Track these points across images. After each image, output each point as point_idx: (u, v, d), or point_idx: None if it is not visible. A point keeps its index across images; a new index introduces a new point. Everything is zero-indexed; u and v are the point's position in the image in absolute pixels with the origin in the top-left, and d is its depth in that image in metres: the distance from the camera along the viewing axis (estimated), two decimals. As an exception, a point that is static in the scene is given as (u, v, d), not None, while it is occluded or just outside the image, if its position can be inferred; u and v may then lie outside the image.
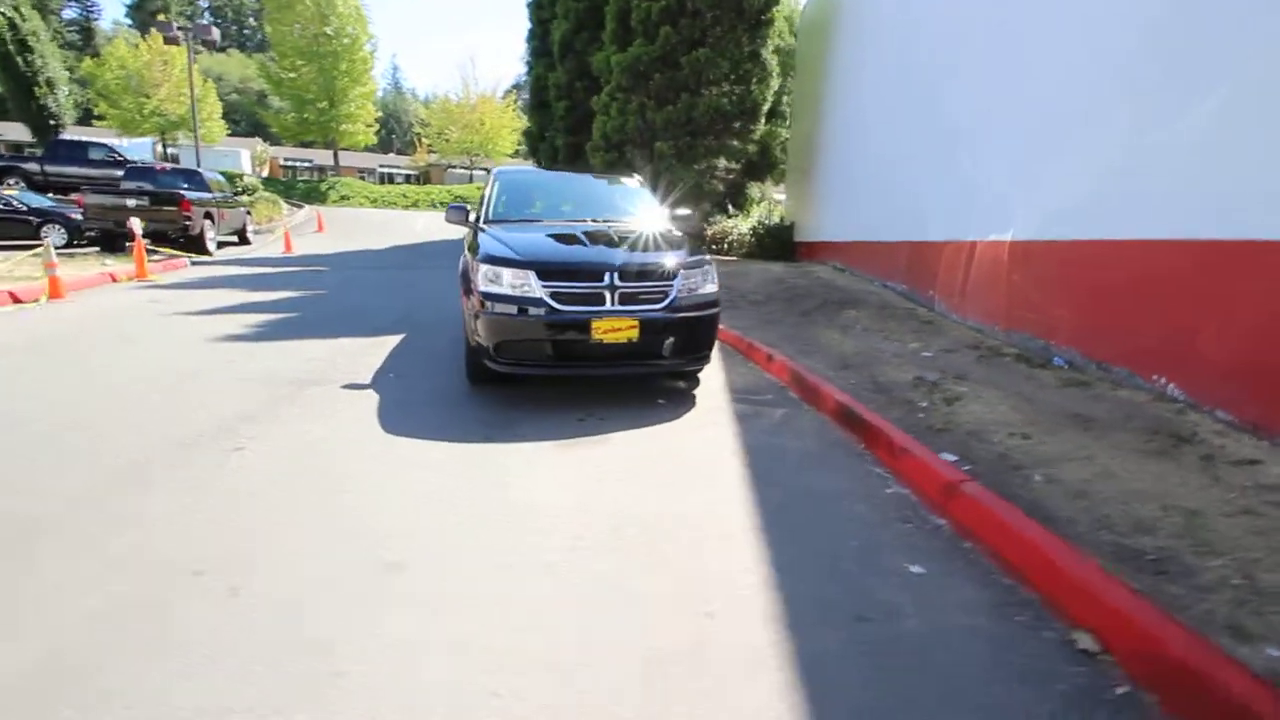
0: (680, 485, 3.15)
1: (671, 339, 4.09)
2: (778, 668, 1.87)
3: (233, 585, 2.20)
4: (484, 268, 4.06)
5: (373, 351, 5.64)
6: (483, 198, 5.34)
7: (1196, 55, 3.89)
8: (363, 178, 40.69)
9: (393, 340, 6.15)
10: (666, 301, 4.08)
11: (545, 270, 3.97)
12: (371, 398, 4.29)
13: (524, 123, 41.87)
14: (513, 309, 3.93)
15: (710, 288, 4.34)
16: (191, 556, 2.37)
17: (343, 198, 31.46)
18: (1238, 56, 3.60)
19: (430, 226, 20.57)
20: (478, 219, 5.04)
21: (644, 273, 4.07)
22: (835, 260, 10.53)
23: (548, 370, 4.02)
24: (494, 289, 3.99)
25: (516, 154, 48.41)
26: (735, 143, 12.83)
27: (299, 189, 31.59)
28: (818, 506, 2.95)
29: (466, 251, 5.08)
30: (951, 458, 3.20)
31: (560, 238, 4.61)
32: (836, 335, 6.40)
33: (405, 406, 4.14)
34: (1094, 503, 2.75)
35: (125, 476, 3.03)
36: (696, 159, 12.67)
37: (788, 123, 15.77)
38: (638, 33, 13.01)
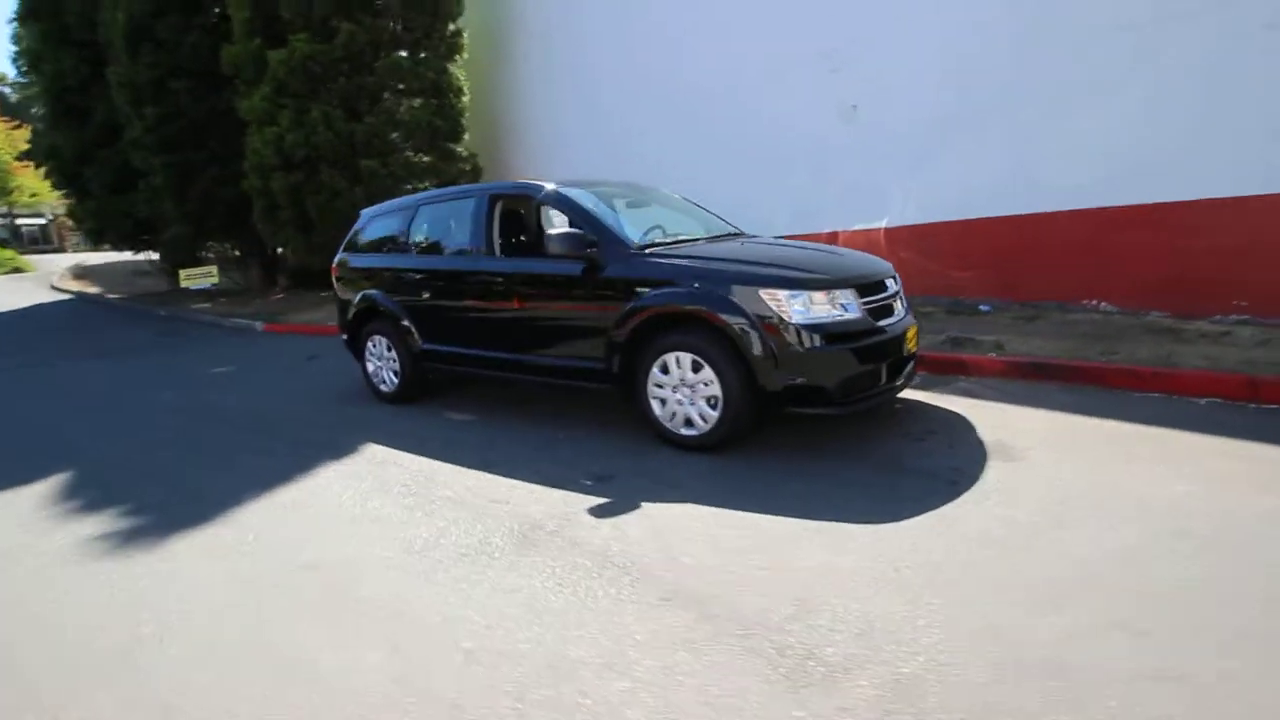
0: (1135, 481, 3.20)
1: (913, 338, 4.07)
2: None
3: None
4: (784, 293, 3.31)
5: (395, 476, 3.65)
6: (592, 219, 3.91)
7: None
8: None
9: (365, 447, 4.06)
10: (905, 301, 4.04)
11: (862, 286, 3.48)
12: (642, 518, 2.93)
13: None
14: (854, 336, 3.35)
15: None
16: None
17: None
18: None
19: None
20: (606, 247, 3.82)
21: (895, 276, 3.93)
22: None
23: (875, 399, 3.53)
24: (815, 319, 3.32)
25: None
26: (446, 161, 11.60)
27: None
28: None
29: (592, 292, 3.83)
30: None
31: (793, 252, 4.03)
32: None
33: (726, 502, 2.99)
34: (1257, 364, 4.15)
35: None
36: (413, 178, 11.03)
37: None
38: (296, 25, 10.46)
